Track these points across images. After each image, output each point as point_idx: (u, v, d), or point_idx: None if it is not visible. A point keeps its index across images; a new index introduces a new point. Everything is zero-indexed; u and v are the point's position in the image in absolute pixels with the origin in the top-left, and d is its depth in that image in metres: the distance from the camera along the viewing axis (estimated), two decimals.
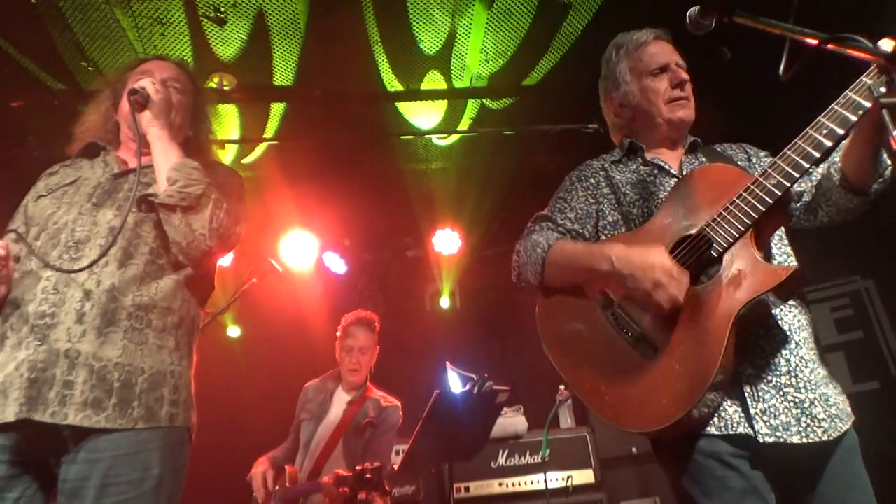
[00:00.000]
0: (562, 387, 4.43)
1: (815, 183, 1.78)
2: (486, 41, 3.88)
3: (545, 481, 3.85)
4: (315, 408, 3.54)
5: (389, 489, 3.17)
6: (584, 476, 3.95)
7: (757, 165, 1.91)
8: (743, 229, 1.55)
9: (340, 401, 3.54)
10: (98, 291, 1.63)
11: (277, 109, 4.32)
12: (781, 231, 1.80)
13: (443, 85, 4.22)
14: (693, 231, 1.64)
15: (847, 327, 4.69)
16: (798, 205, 1.80)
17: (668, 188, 1.83)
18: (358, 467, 2.79)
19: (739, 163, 1.90)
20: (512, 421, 4.09)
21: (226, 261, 5.03)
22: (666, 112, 1.90)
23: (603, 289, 1.74)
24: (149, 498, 1.57)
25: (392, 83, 4.14)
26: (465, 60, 4.02)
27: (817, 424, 1.52)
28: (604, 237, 1.89)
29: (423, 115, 4.48)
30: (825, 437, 1.52)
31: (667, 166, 1.89)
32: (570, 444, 4.03)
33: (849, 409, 1.62)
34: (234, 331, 5.73)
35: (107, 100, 2.02)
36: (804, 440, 1.51)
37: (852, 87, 1.47)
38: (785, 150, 1.54)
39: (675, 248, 1.65)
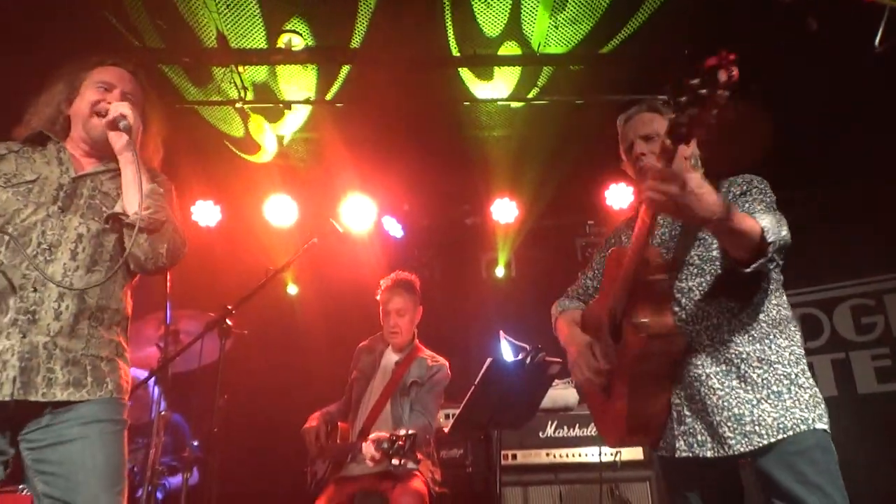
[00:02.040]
0: None
1: None
2: (556, 8, 3.78)
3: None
4: (365, 367, 3.62)
5: (421, 456, 3.19)
6: (632, 452, 3.94)
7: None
8: (620, 310, 1.96)
9: (389, 361, 3.59)
10: (70, 294, 1.89)
11: (342, 71, 4.33)
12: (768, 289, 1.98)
13: (511, 51, 4.14)
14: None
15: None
16: None
17: None
18: (388, 434, 2.81)
19: None
20: (563, 393, 4.08)
21: (289, 220, 5.17)
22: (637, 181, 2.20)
23: None
24: (121, 436, 1.97)
25: (458, 48, 4.09)
26: (533, 27, 3.93)
27: (724, 442, 1.85)
28: None
29: (488, 81, 4.42)
30: (731, 452, 1.84)
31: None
32: None
33: (787, 423, 1.80)
34: (293, 289, 5.88)
35: (60, 94, 2.08)
36: (716, 454, 1.87)
37: None
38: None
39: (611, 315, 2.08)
